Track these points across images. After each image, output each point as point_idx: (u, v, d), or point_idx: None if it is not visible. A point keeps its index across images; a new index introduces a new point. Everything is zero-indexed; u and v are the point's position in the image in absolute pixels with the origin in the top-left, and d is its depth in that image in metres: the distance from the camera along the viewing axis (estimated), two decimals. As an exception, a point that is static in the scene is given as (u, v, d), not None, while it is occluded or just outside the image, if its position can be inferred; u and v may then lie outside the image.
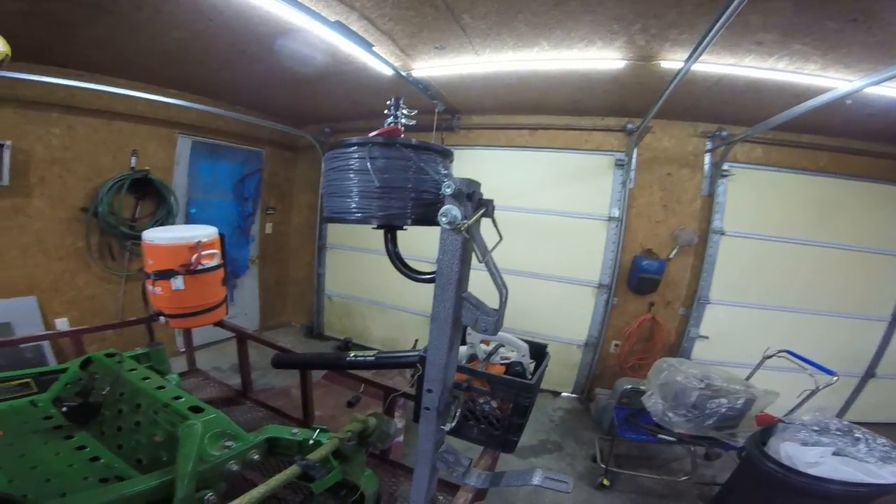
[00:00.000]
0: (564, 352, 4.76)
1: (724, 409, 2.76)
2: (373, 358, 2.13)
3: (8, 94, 3.25)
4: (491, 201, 1.15)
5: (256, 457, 1.60)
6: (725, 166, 4.12)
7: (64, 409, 1.69)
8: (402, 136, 1.37)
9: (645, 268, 4.27)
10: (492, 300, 1.10)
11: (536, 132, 4.64)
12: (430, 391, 1.18)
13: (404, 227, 1.36)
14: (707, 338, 4.39)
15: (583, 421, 4.31)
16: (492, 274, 1.05)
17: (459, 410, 1.36)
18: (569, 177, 4.61)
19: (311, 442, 1.64)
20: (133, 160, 4.09)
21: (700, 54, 2.18)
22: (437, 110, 4.31)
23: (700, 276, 4.30)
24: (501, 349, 1.78)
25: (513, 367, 1.67)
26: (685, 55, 2.37)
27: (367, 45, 2.85)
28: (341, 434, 1.58)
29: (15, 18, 2.57)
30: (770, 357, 3.11)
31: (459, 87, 3.82)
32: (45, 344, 3.51)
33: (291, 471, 1.36)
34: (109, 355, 2.04)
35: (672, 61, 2.71)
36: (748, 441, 2.62)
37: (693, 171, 4.25)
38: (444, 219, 1.03)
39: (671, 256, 4.32)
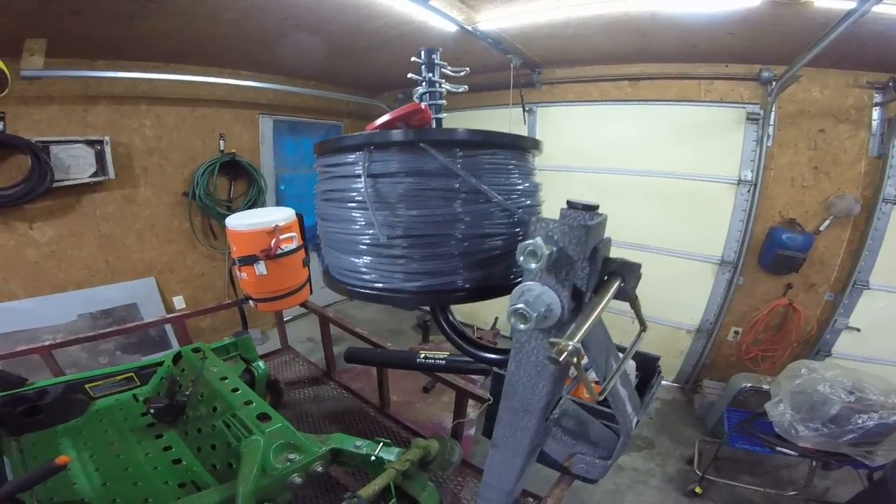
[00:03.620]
0: (671, 337, 4.27)
1: (871, 424, 2.33)
2: (443, 361, 2.08)
3: (98, 93, 3.44)
4: (636, 266, 0.62)
5: (320, 469, 1.58)
6: (904, 122, 3.13)
7: (152, 410, 1.80)
8: (436, 120, 0.89)
9: (785, 242, 3.50)
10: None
11: (639, 83, 3.94)
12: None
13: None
14: (858, 330, 3.58)
15: (682, 416, 3.90)
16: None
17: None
18: (684, 133, 3.89)
19: (372, 458, 1.62)
20: (221, 143, 4.28)
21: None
22: (512, 65, 3.79)
23: (860, 255, 3.42)
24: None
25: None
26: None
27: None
28: (398, 464, 1.53)
29: (66, 19, 2.60)
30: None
31: (536, 38, 3.35)
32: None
33: (340, 510, 1.31)
34: (195, 350, 2.16)
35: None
36: (891, 465, 2.18)
37: (855, 127, 3.36)
38: (519, 323, 0.54)
39: (821, 229, 3.51)
